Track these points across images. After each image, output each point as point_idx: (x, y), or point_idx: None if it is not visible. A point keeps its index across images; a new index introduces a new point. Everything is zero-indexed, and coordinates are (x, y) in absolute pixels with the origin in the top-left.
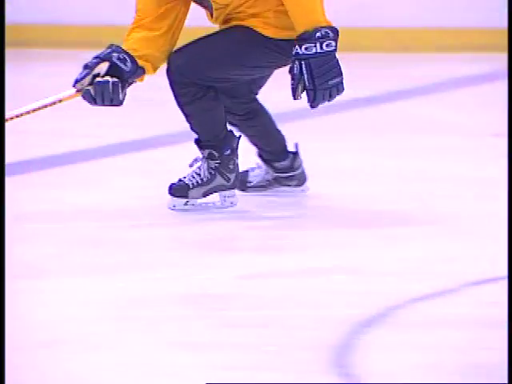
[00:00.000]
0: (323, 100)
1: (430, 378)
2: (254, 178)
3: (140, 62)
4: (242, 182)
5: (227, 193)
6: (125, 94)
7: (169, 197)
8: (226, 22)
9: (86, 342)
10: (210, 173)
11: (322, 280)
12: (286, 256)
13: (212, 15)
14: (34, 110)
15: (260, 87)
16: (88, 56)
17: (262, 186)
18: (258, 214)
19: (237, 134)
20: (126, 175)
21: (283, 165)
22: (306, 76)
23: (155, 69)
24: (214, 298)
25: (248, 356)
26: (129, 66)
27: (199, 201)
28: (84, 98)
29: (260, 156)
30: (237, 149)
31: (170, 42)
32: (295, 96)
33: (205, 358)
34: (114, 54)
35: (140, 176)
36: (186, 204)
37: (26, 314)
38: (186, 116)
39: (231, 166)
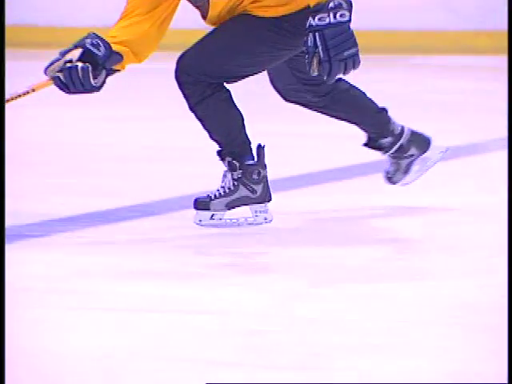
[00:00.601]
0: (339, 71)
1: None
2: (387, 169)
3: (115, 47)
4: (388, 179)
5: (259, 207)
6: (103, 82)
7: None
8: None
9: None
10: (234, 184)
11: None
12: None
13: (205, 17)
14: (8, 101)
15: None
16: None
17: (397, 171)
18: None
19: (262, 143)
20: None
21: (389, 141)
22: (320, 47)
23: (138, 56)
24: None
25: None
26: (102, 50)
27: (228, 216)
28: (56, 85)
29: (366, 145)
30: (263, 160)
31: (158, 30)
32: (310, 70)
33: None
34: (88, 40)
35: None
36: (212, 218)
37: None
38: (201, 121)
39: (255, 177)
